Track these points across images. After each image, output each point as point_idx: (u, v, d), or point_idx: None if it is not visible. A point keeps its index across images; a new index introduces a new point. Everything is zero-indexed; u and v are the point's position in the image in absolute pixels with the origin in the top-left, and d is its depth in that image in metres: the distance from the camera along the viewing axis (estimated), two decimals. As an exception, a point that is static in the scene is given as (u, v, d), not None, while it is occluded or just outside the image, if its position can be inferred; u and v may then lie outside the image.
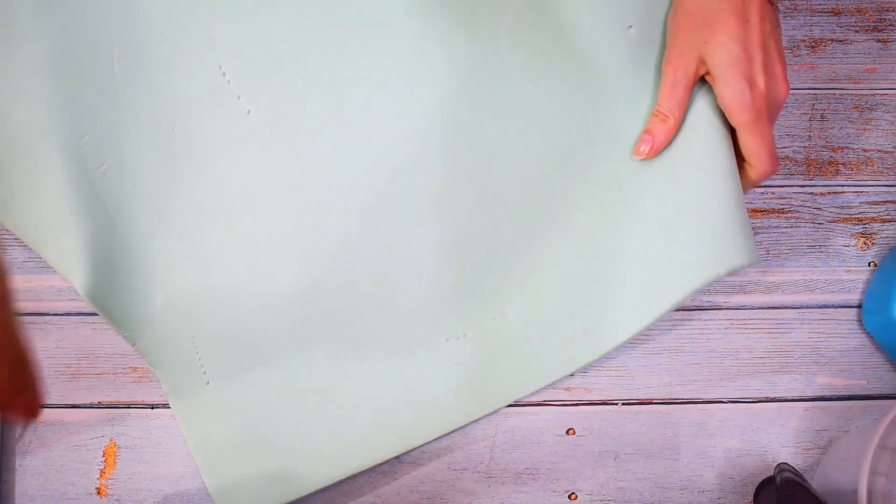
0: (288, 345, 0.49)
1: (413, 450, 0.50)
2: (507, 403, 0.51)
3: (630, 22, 0.50)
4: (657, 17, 0.50)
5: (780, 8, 0.58)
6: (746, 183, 0.49)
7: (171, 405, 0.49)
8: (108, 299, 0.48)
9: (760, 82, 0.47)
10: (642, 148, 0.50)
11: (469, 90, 0.51)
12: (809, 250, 0.55)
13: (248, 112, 0.49)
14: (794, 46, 0.57)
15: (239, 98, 0.49)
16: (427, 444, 0.50)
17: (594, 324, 0.49)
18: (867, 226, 0.55)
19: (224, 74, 0.49)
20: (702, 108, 0.49)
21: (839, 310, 0.54)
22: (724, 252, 0.46)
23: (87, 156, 0.48)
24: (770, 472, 0.51)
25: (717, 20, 0.47)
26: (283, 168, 0.50)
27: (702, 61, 0.48)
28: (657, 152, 0.50)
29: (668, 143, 0.50)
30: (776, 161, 0.49)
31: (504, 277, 0.50)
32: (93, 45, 0.48)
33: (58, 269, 0.48)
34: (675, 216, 0.48)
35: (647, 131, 0.50)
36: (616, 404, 0.52)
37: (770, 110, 0.48)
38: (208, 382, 0.49)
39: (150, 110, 0.49)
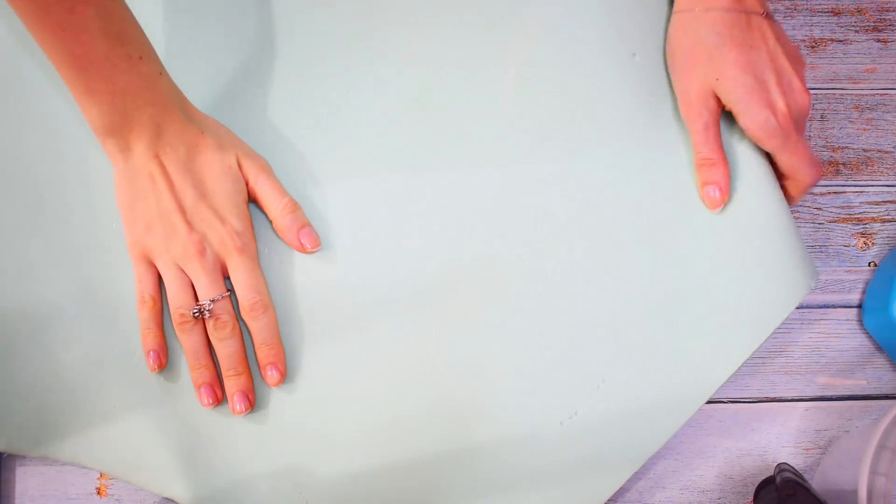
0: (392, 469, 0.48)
1: None
2: (639, 466, 0.48)
3: (634, 50, 0.51)
4: (656, 42, 0.51)
5: (780, 8, 0.58)
6: (793, 196, 0.50)
7: None
8: (215, 501, 0.47)
9: (780, 104, 0.47)
10: (713, 195, 0.49)
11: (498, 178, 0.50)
12: (809, 250, 0.55)
13: (281, 262, 0.49)
14: (794, 46, 0.57)
15: (268, 252, 0.49)
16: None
17: (694, 370, 0.48)
18: (867, 226, 0.55)
19: None
20: (734, 140, 0.50)
21: (839, 310, 0.54)
22: (798, 277, 0.49)
23: (143, 371, 0.47)
24: (770, 472, 0.51)
25: (721, 55, 0.47)
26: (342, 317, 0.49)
27: (718, 97, 0.48)
28: (728, 195, 0.49)
29: (730, 182, 0.49)
30: (818, 167, 0.49)
31: (599, 343, 0.49)
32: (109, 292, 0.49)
33: (153, 488, 0.47)
34: (746, 250, 0.49)
35: (706, 182, 0.49)
36: (616, 404, 0.52)
37: (797, 124, 0.48)
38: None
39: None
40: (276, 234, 0.49)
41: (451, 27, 0.52)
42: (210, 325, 0.46)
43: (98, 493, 0.49)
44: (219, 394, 0.46)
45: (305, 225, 0.48)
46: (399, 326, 0.48)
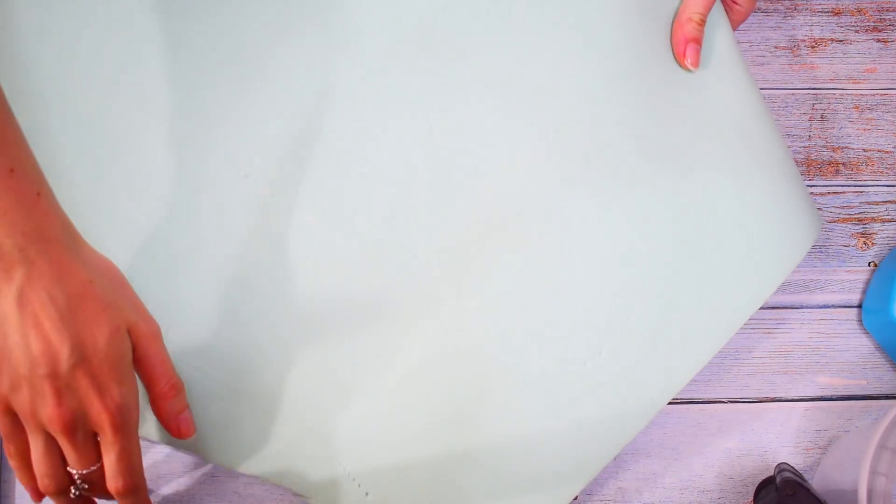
0: (427, 430, 0.48)
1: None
2: (657, 411, 0.48)
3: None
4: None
5: (780, 8, 0.58)
6: (732, 23, 0.50)
7: None
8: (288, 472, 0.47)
9: None
10: (689, 61, 0.48)
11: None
12: (809, 250, 0.55)
13: (246, 175, 0.49)
14: (794, 46, 0.57)
15: (239, 168, 0.49)
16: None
17: (706, 317, 0.48)
18: (867, 226, 0.55)
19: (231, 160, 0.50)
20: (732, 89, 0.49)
21: (839, 310, 0.54)
22: (802, 230, 0.49)
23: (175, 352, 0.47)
24: (770, 472, 0.51)
25: None
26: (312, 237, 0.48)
27: None
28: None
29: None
30: None
31: (624, 281, 0.48)
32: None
33: (223, 462, 0.47)
34: (751, 203, 0.48)
35: (692, 39, 0.48)
36: (616, 404, 0.52)
37: None
38: (367, 493, 0.47)
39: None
40: (265, 237, 0.48)
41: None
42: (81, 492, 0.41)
43: (98, 492, 0.49)
44: None
45: (184, 409, 0.44)
46: (417, 275, 0.48)
